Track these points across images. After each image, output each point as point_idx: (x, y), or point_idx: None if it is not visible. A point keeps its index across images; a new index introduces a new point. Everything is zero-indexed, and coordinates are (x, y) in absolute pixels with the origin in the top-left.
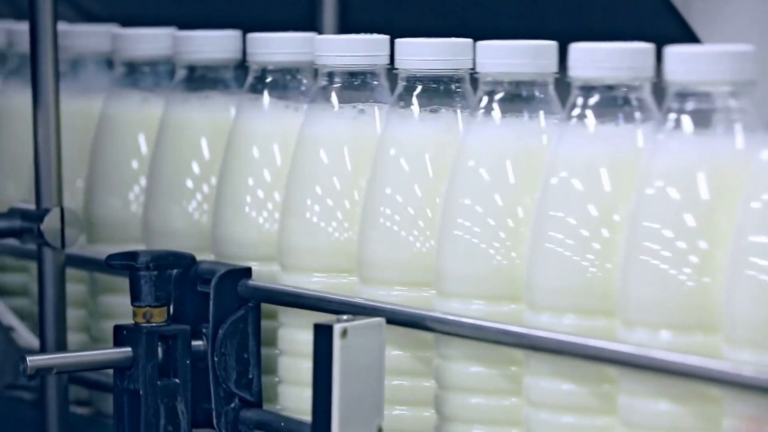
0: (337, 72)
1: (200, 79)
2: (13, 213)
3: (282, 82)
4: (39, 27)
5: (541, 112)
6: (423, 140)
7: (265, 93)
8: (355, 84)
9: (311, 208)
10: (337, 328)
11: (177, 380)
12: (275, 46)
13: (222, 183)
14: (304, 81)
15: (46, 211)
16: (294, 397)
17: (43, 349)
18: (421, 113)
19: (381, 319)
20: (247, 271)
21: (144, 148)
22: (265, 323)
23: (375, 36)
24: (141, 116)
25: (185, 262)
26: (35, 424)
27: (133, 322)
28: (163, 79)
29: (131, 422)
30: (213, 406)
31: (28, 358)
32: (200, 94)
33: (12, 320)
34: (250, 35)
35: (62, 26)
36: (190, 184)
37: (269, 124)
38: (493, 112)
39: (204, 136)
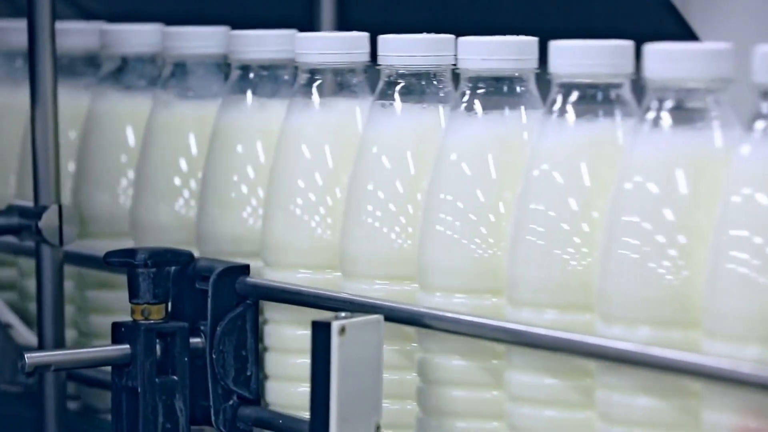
0: (482, 77)
1: (322, 83)
2: (11, 210)
3: (417, 86)
4: (37, 25)
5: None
6: (579, 150)
7: (397, 98)
8: (502, 90)
9: (452, 225)
10: (335, 326)
11: (175, 377)
12: (410, 49)
13: (351, 196)
14: (440, 85)
15: (44, 208)
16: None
17: (41, 347)
18: (577, 121)
19: (379, 317)
20: (245, 269)
21: (262, 158)
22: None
23: (524, 38)
24: (258, 123)
25: (183, 259)
26: (33, 421)
27: (130, 318)
28: (282, 84)
29: (129, 419)
30: (211, 403)
31: (26, 355)
32: (322, 100)
33: (10, 317)
34: (382, 37)
35: (168, 28)
36: (312, 197)
37: (402, 131)
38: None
39: (327, 144)
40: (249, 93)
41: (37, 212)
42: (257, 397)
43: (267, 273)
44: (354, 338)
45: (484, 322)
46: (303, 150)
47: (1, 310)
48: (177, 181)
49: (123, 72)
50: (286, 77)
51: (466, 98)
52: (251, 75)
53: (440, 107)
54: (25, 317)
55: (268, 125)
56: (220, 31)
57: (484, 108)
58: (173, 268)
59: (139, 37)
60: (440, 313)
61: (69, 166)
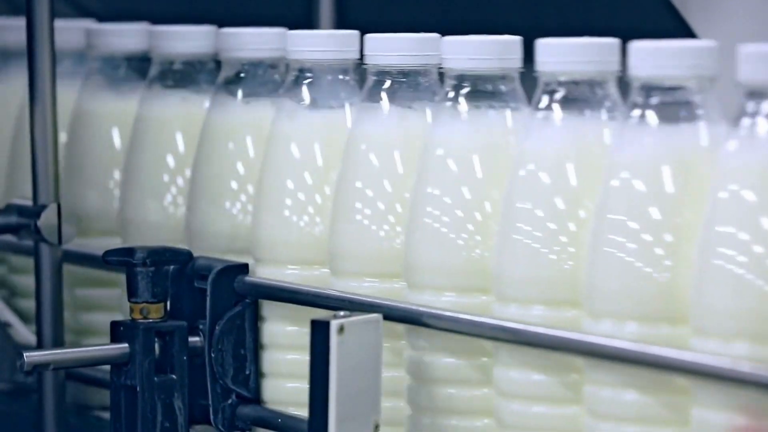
0: (655, 85)
1: (470, 91)
2: (9, 209)
3: (579, 95)
4: (36, 22)
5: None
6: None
7: (557, 108)
8: (677, 100)
9: (624, 247)
10: (334, 324)
11: (174, 376)
12: (572, 54)
13: (507, 214)
14: (605, 94)
15: (43, 207)
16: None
17: (39, 346)
18: None
19: (378, 315)
20: (243, 267)
21: (401, 169)
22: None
23: (704, 42)
24: (399, 132)
25: (182, 258)
26: (32, 420)
27: (129, 317)
28: (422, 91)
29: (128, 418)
30: (210, 402)
31: (25, 354)
32: (471, 108)
33: (9, 316)
34: (541, 41)
35: (293, 32)
36: (460, 213)
37: (563, 143)
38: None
39: (476, 156)
40: (385, 100)
41: (36, 211)
42: (256, 396)
43: (409, 296)
44: (353, 337)
45: (482, 321)
46: (449, 163)
47: (0, 310)
48: (301, 196)
49: (242, 78)
50: (426, 84)
51: (637, 110)
52: (387, 81)
53: (604, 118)
54: (22, 316)
55: (411, 133)
56: (350, 34)
57: (660, 119)
58: (172, 267)
59: (258, 40)
60: (438, 312)
61: (178, 180)
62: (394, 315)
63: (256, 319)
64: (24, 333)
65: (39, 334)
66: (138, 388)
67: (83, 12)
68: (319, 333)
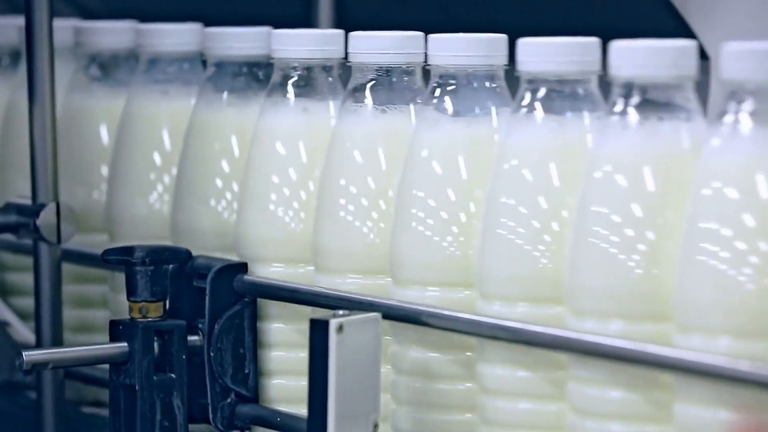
0: (749, 89)
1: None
2: (8, 208)
3: (660, 99)
4: (35, 22)
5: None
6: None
7: (632, 112)
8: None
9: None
10: (333, 324)
11: (173, 375)
12: (649, 58)
13: (580, 222)
14: (686, 98)
15: (42, 206)
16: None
17: (38, 345)
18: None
19: (377, 314)
20: (243, 267)
21: (464, 174)
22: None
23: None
24: (462, 137)
25: (181, 257)
26: (31, 419)
27: (128, 316)
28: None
29: (127, 417)
30: (209, 401)
31: (24, 354)
32: (547, 115)
33: (8, 315)
34: (615, 43)
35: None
36: (536, 224)
37: (640, 150)
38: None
39: (554, 163)
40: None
41: (35, 210)
42: (255, 395)
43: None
44: (352, 336)
45: (481, 320)
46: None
47: None
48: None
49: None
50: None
51: (729, 116)
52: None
53: (687, 123)
54: (20, 315)
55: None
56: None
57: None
58: (171, 265)
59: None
60: (437, 311)
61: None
62: (392, 314)
63: (255, 318)
64: (23, 332)
65: (38, 333)
66: (137, 387)
67: (84, 12)
68: (318, 332)
